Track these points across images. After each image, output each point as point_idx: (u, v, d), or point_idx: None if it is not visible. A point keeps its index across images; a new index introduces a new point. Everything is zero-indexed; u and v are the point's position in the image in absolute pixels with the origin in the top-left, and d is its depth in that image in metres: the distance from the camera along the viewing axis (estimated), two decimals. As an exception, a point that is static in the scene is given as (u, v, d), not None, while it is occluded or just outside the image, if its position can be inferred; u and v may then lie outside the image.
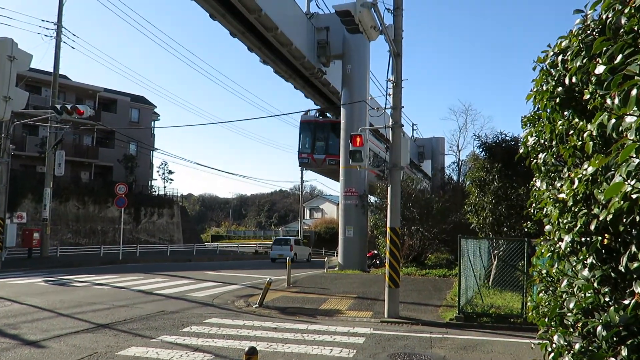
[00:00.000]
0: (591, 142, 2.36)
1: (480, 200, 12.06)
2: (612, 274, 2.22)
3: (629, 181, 1.75)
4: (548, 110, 2.98)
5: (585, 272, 2.33)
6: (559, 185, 2.79)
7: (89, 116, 16.27)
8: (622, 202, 1.83)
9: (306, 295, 10.80)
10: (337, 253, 22.07)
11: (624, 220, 1.98)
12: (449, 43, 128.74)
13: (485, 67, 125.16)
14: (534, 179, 3.36)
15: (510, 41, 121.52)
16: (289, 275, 12.59)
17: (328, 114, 25.87)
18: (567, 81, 2.64)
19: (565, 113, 2.85)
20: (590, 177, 2.28)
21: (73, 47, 48.93)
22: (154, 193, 37.14)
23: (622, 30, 2.11)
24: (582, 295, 2.30)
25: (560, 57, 2.77)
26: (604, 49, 2.10)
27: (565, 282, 2.55)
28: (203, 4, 17.77)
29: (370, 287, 12.20)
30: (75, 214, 28.73)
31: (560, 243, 2.64)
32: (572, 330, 2.42)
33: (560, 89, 2.79)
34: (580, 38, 2.54)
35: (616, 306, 2.00)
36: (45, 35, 21.60)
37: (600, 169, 2.17)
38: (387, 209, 9.02)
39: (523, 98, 3.24)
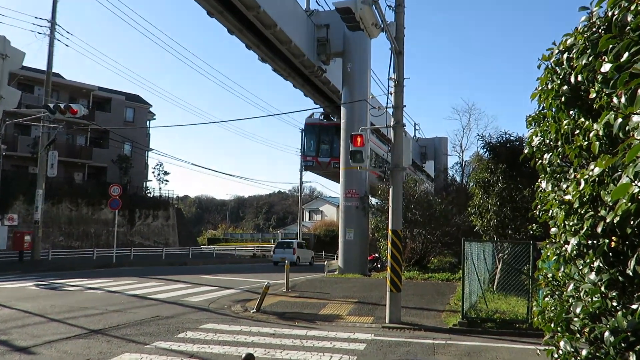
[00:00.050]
0: (597, 142, 2.36)
1: (484, 202, 12.06)
2: (620, 278, 2.21)
3: (636, 182, 1.75)
4: (553, 110, 2.98)
5: (592, 276, 2.33)
6: (564, 186, 2.79)
7: (83, 115, 16.29)
8: (629, 203, 1.83)
9: (305, 300, 10.79)
10: (337, 256, 22.06)
11: (632, 222, 1.98)
12: (452, 40, 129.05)
13: (490, 65, 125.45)
14: (539, 180, 3.36)
15: (515, 38, 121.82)
16: (287, 279, 12.58)
17: (333, 117, 26.00)
18: (572, 79, 2.64)
19: (571, 112, 2.85)
20: (597, 178, 2.28)
21: (67, 45, 48.91)
22: (149, 195, 37.11)
23: (628, 27, 2.11)
24: (589, 299, 2.29)
25: (565, 55, 2.78)
26: (610, 46, 2.10)
27: (571, 286, 2.55)
28: (200, 1, 17.80)
29: (371, 291, 12.20)
30: (68, 216, 28.71)
31: (566, 246, 2.63)
32: (578, 336, 2.41)
33: (565, 87, 2.79)
34: (585, 35, 2.54)
35: (624, 311, 1.99)
36: (39, 33, 21.55)
37: (606, 170, 2.17)
38: (389, 211, 9.01)
39: (528, 97, 3.24)
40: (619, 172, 2.08)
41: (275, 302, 10.48)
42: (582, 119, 2.73)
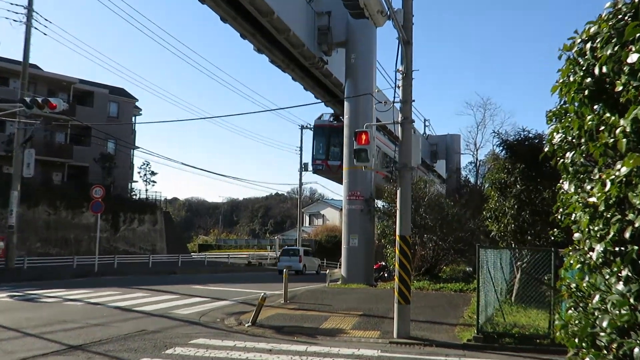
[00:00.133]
0: (624, 140, 2.35)
1: (500, 205, 12.04)
2: (650, 289, 2.21)
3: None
4: (576, 104, 2.97)
5: (620, 286, 2.32)
6: (589, 187, 2.78)
7: (62, 110, 16.35)
8: (659, 207, 1.82)
9: (305, 313, 10.78)
10: (340, 264, 22.05)
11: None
12: (465, 29, 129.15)
13: (506, 56, 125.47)
14: (560, 181, 3.35)
15: (534, 26, 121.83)
16: (285, 289, 12.58)
17: (342, 118, 26.21)
18: (596, 71, 2.64)
19: (595, 107, 2.85)
20: (624, 179, 2.27)
21: (45, 34, 49.01)
22: (134, 197, 37.16)
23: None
24: (617, 312, 2.29)
25: (588, 45, 2.77)
26: (638, 35, 2.10)
27: (597, 298, 2.54)
28: (190, -14, 17.83)
29: (377, 303, 12.18)
30: (45, 221, 28.75)
31: (591, 253, 2.63)
32: (605, 352, 2.40)
33: (589, 79, 2.78)
34: (610, 23, 2.54)
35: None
36: (14, 20, 21.63)
37: (635, 170, 2.17)
38: (396, 215, 9.00)
39: (548, 90, 3.23)
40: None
41: (272, 314, 10.47)
42: (608, 114, 2.73)
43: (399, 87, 9.12)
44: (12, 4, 27.87)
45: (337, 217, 53.97)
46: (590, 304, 2.65)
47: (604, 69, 2.56)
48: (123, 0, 29.97)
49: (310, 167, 26.54)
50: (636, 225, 2.08)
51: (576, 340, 2.63)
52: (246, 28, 20.44)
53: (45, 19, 25.52)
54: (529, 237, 11.69)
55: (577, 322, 2.80)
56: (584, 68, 2.83)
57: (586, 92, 2.83)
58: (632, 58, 2.13)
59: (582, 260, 2.77)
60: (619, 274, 2.40)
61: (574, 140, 3.13)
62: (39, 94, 26.99)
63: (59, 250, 28.53)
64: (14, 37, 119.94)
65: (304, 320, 9.84)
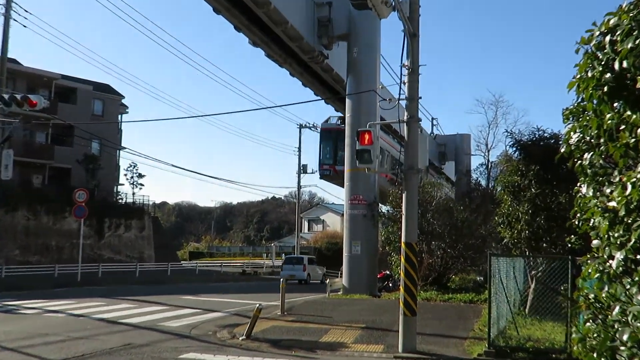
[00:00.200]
0: (647, 140, 2.35)
1: (514, 210, 12.04)
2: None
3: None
4: (594, 101, 2.98)
5: (641, 297, 2.32)
6: (608, 191, 2.78)
7: (43, 108, 16.32)
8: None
9: (304, 325, 10.77)
10: (341, 274, 22.02)
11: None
12: (475, 22, 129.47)
13: (520, 50, 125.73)
14: (578, 184, 3.36)
15: (549, 19, 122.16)
16: (282, 300, 12.57)
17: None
18: (616, 66, 2.64)
19: (615, 104, 2.85)
20: (646, 182, 2.27)
21: (25, 26, 48.83)
22: (120, 201, 37.12)
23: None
24: (638, 324, 2.28)
25: (608, 38, 2.78)
26: (661, 27, 2.10)
27: (617, 309, 2.54)
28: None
29: (381, 315, 12.18)
30: (24, 226, 28.71)
31: (610, 261, 2.63)
32: (625, 367, 2.40)
33: (608, 75, 2.79)
34: (632, 15, 2.55)
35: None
36: (-9, 12, 21.64)
37: (657, 172, 2.17)
38: (402, 221, 9.00)
39: (564, 86, 3.24)
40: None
41: (268, 327, 10.46)
42: (629, 112, 2.73)
43: (404, 83, 9.14)
44: (-11, -6, 27.89)
45: (338, 222, 53.96)
46: (609, 316, 2.65)
47: (625, 64, 2.57)
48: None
49: (316, 172, 26.86)
50: (659, 231, 2.08)
51: (595, 354, 2.63)
52: (241, 20, 20.48)
53: (25, 10, 25.56)
54: (544, 245, 11.68)
55: (595, 335, 2.80)
56: (603, 63, 2.83)
57: (605, 89, 2.83)
58: (655, 52, 2.14)
59: (601, 269, 2.77)
60: (641, 284, 2.40)
61: (592, 141, 3.14)
62: (17, 91, 27.02)
63: (39, 258, 28.48)
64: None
65: (303, 333, 9.83)
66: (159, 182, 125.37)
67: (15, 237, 28.03)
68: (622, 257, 2.49)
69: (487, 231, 17.36)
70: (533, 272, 11.13)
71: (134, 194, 37.66)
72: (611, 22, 2.76)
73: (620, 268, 2.54)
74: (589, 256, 3.08)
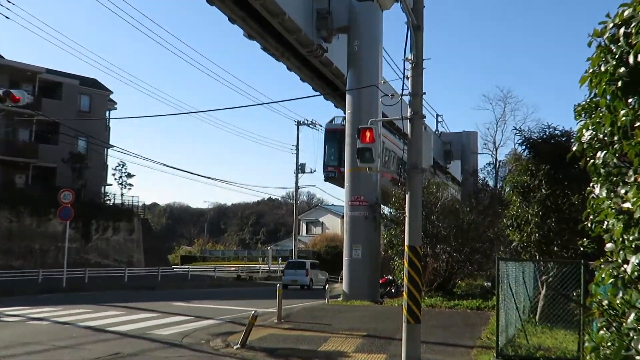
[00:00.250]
0: (663, 137, 2.35)
1: (523, 211, 12.04)
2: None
3: None
4: (607, 97, 2.98)
5: (657, 304, 2.31)
6: (622, 191, 2.78)
7: (27, 104, 16.31)
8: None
9: (302, 333, 10.77)
10: (341, 279, 22.02)
11: None
12: (483, 13, 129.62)
13: (529, 43, 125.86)
14: (591, 184, 3.36)
15: (561, 9, 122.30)
16: (279, 307, 12.57)
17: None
18: (631, 60, 2.64)
19: (630, 100, 2.85)
20: (663, 182, 2.27)
21: (7, 17, 48.87)
22: (108, 202, 37.10)
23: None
24: (654, 333, 2.28)
25: (622, 30, 2.78)
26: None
27: (632, 316, 2.54)
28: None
29: (383, 322, 12.18)
30: (7, 229, 28.67)
31: (625, 266, 2.63)
32: (640, 378, 2.40)
33: (622, 69, 2.79)
34: (648, 5, 2.55)
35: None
36: (-29, 2, 21.56)
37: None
38: (405, 223, 9.00)
39: (576, 81, 3.24)
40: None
41: (264, 335, 10.46)
42: (644, 109, 2.73)
43: (407, 78, 9.13)
44: (-30, -17, 27.85)
45: (337, 225, 53.97)
46: (624, 324, 2.65)
47: (640, 58, 2.56)
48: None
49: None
50: (676, 234, 2.08)
51: (609, 364, 2.63)
52: (235, 11, 20.48)
53: (8, 1, 25.49)
54: (555, 248, 11.69)
55: (609, 344, 2.79)
56: (616, 56, 2.83)
57: (619, 84, 2.83)
58: (671, 45, 2.13)
59: (616, 273, 2.77)
60: (657, 290, 2.40)
61: (605, 138, 3.14)
62: (0, 86, 27.01)
63: (22, 263, 28.45)
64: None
65: (300, 342, 9.82)
66: (149, 182, 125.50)
67: (-3, 241, 28.00)
68: (637, 261, 2.49)
69: (495, 234, 17.36)
70: (543, 278, 11.14)
71: (122, 194, 37.65)
72: (625, 13, 2.76)
73: (636, 273, 2.54)
74: (602, 260, 3.07)
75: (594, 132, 3.24)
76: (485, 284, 19.73)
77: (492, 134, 43.45)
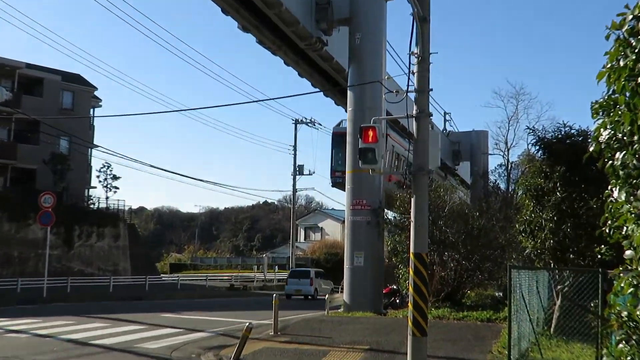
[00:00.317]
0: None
1: (536, 216, 12.05)
2: None
3: None
4: (627, 94, 2.98)
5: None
6: (643, 195, 2.78)
7: (5, 101, 16.35)
8: None
9: (299, 347, 10.74)
10: (341, 288, 22.00)
11: None
12: (493, 3, 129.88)
13: (543, 36, 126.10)
14: (609, 187, 3.36)
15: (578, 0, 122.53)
16: (275, 319, 12.56)
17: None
18: (652, 54, 2.64)
19: (651, 97, 2.85)
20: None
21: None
22: (92, 206, 37.02)
23: None
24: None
25: (643, 22, 2.78)
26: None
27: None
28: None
29: (387, 335, 12.17)
30: (-16, 235, 28.61)
31: (645, 275, 2.62)
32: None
33: (643, 64, 2.79)
34: (670, -4, 2.55)
35: None
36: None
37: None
38: (410, 229, 9.00)
39: (594, 77, 3.24)
40: None
41: (259, 349, 10.44)
42: (666, 106, 2.74)
43: (413, 74, 9.15)
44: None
45: (338, 230, 53.94)
46: (645, 336, 2.65)
47: (661, 52, 2.57)
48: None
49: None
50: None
51: (629, 380, 2.63)
52: (229, 2, 20.51)
53: (-15, -9, 25.50)
54: (571, 256, 11.69)
55: (629, 358, 2.79)
56: (636, 50, 2.84)
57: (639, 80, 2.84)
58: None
59: (636, 283, 2.77)
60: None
61: (625, 138, 3.14)
62: (-23, 81, 27.00)
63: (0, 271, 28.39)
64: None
65: (298, 356, 9.81)
66: (136, 185, 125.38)
67: (-27, 247, 27.96)
68: (658, 269, 2.49)
69: (507, 240, 17.35)
70: (559, 287, 11.14)
71: (107, 198, 37.58)
72: (646, 4, 2.77)
73: (657, 282, 2.54)
74: (621, 269, 3.08)
75: (613, 132, 3.25)
76: (497, 294, 19.72)
77: (503, 134, 43.38)
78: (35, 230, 29.46)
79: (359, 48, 20.11)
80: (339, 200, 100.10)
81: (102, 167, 37.33)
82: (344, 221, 22.42)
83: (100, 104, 41.15)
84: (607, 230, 3.36)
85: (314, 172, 42.73)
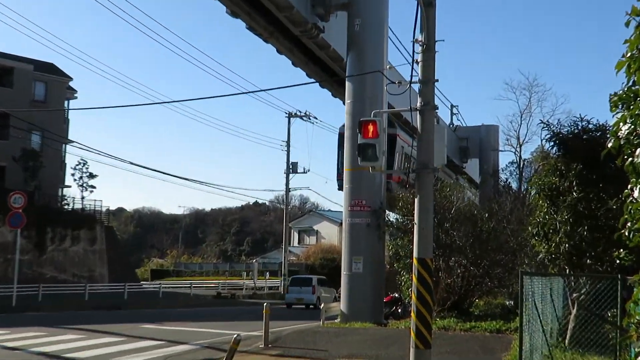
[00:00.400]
0: None
1: (551, 218, 12.08)
2: None
3: None
4: (649, 85, 2.99)
5: None
6: (665, 195, 2.79)
7: (-30, 92, 16.25)
8: None
9: (292, 360, 10.76)
10: (339, 296, 22.01)
11: None
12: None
13: (558, 23, 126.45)
14: (629, 186, 3.37)
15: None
16: (266, 330, 12.55)
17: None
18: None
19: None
20: None
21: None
22: (66, 207, 36.91)
23: None
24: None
25: (666, 7, 2.79)
26: None
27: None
28: None
29: (387, 348, 12.17)
30: (-53, 238, 28.47)
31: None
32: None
33: (666, 52, 2.80)
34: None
35: None
36: None
37: None
38: (414, 232, 9.02)
39: (613, 67, 3.25)
40: None
41: (248, 363, 10.45)
42: (690, 99, 2.75)
43: (417, 63, 9.16)
44: None
45: (335, 234, 53.96)
46: (667, 348, 2.66)
47: (685, 39, 2.58)
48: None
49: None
50: None
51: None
52: (216, -16, 20.46)
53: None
54: (587, 261, 11.73)
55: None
56: (659, 38, 2.85)
57: (662, 70, 2.85)
58: None
59: (657, 290, 2.78)
60: None
61: (646, 133, 3.15)
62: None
63: (-36, 278, 28.27)
64: None
65: (291, 371, 9.81)
66: (114, 184, 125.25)
67: None
68: (682, 275, 2.50)
69: (519, 244, 17.40)
70: (574, 295, 11.17)
71: (83, 198, 37.44)
72: (669, -13, 2.77)
73: (680, 289, 2.55)
74: (641, 275, 3.09)
75: (633, 126, 3.26)
76: (507, 302, 19.77)
77: (515, 128, 43.56)
78: (4, 233, 29.35)
79: (358, 35, 20.11)
80: (336, 200, 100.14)
81: (77, 165, 37.20)
82: (341, 223, 22.41)
83: (75, 95, 41.02)
84: (627, 233, 3.37)
85: (309, 170, 42.71)
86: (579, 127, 12.53)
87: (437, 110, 9.50)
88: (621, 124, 3.35)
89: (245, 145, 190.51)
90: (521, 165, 39.51)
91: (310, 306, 29.31)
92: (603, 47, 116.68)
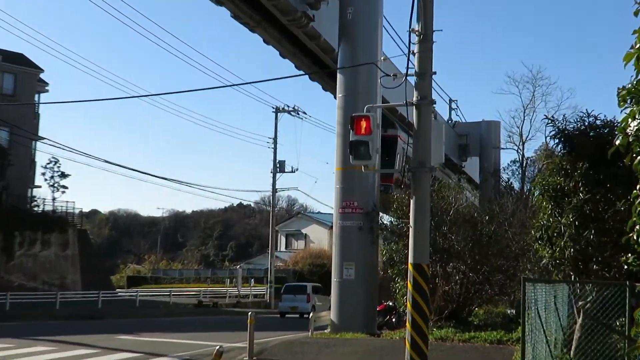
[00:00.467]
0: None
1: (555, 220, 12.12)
2: None
3: None
4: (659, 78, 3.00)
5: None
6: (676, 196, 2.80)
7: None
8: None
9: (279, 374, 10.76)
10: (329, 305, 21.99)
11: None
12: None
13: (564, 13, 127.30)
14: (637, 187, 3.38)
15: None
16: (251, 341, 12.52)
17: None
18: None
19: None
20: None
21: None
22: (36, 209, 36.77)
23: None
24: None
25: (677, -6, 2.80)
26: None
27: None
28: None
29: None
30: None
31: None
32: None
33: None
34: None
35: None
36: None
37: None
38: (409, 235, 9.03)
39: (620, 59, 3.26)
40: None
41: (232, 376, 10.43)
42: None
43: (413, 54, 9.18)
44: None
45: (325, 237, 53.99)
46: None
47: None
48: None
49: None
50: None
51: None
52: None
53: None
54: (594, 266, 11.78)
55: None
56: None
57: (673, 62, 2.85)
58: None
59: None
60: None
61: (656, 129, 3.16)
62: None
63: None
64: None
65: (278, 385, 9.81)
66: (88, 184, 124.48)
67: None
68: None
69: (521, 249, 17.47)
70: (580, 303, 11.22)
71: (54, 199, 37.32)
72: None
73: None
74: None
75: (642, 122, 3.27)
76: (509, 311, 19.85)
77: (518, 124, 43.72)
78: (-33, 236, 29.15)
79: (351, 24, 20.12)
80: (326, 202, 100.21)
81: (48, 163, 37.09)
82: (331, 227, 22.43)
83: (46, 88, 40.78)
84: (635, 237, 3.38)
85: (297, 170, 42.38)
86: (586, 124, 12.56)
87: (434, 105, 9.53)
88: (630, 119, 3.36)
89: (229, 142, 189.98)
90: (524, 164, 39.69)
91: (305, 315, 29.25)
92: (613, 38, 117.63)
